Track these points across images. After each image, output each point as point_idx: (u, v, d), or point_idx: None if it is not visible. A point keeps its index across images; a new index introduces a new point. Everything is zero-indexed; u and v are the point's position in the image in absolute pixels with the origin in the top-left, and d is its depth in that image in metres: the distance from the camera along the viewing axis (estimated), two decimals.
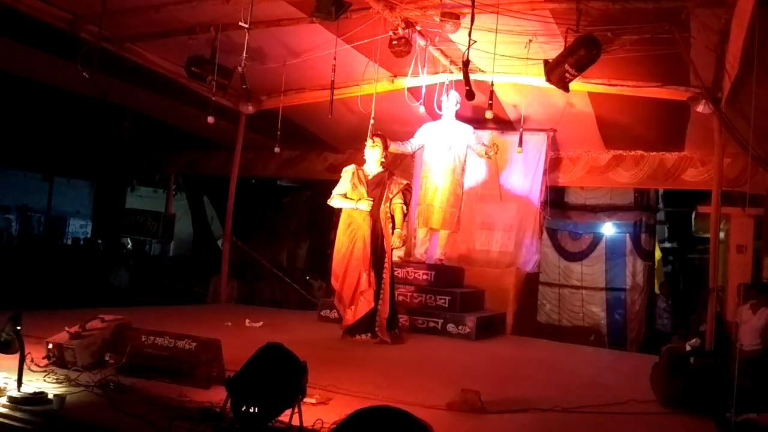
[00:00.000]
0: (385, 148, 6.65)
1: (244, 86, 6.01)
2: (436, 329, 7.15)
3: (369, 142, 6.56)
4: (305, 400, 3.06)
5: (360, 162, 6.76)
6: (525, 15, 5.75)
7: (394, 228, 6.48)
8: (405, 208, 6.57)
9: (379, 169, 6.56)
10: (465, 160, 7.99)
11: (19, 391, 3.20)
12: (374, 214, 6.37)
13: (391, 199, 6.45)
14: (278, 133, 7.70)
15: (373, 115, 6.72)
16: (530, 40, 6.32)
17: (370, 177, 6.52)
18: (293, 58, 7.35)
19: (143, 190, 17.33)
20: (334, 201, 6.52)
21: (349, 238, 6.31)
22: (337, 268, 6.37)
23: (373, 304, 6.23)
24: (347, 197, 6.44)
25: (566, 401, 4.12)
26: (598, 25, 5.64)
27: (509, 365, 5.96)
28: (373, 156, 6.54)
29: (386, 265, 6.39)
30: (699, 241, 12.07)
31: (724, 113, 6.54)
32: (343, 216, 6.50)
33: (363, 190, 6.41)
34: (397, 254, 7.23)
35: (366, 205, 6.33)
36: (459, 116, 8.05)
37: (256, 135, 9.58)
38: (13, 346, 3.35)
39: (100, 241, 15.81)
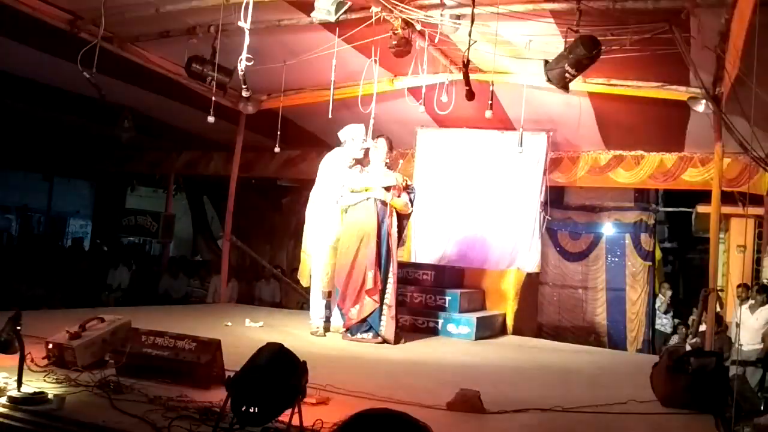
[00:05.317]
0: (390, 148, 6.66)
1: (244, 86, 6.00)
2: (436, 329, 7.15)
3: (371, 143, 6.56)
4: (305, 400, 3.05)
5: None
6: (525, 15, 5.75)
7: (399, 228, 6.49)
8: (410, 205, 6.58)
9: (384, 169, 6.56)
10: None
11: (19, 391, 3.20)
12: (380, 212, 6.38)
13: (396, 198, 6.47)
14: (278, 133, 7.70)
15: (373, 115, 6.72)
16: (530, 40, 6.32)
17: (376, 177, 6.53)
18: (293, 58, 7.35)
19: (143, 190, 17.30)
20: (345, 198, 6.49)
21: (355, 236, 6.31)
22: (342, 267, 6.36)
23: (378, 304, 6.23)
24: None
25: (566, 401, 4.12)
26: (598, 25, 5.64)
27: (509, 365, 5.96)
28: (377, 156, 6.55)
29: (392, 264, 6.40)
30: (699, 241, 12.06)
31: (724, 113, 6.54)
32: (348, 215, 6.49)
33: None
34: None
35: (382, 193, 6.33)
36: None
37: (256, 135, 9.58)
38: (13, 346, 3.34)
39: (99, 241, 15.79)
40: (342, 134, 6.70)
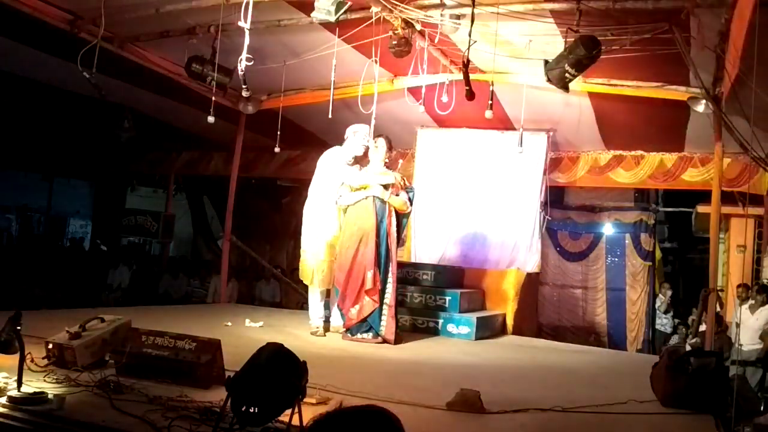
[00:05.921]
0: (390, 148, 6.65)
1: (244, 86, 6.00)
2: (436, 329, 7.15)
3: (372, 143, 6.56)
4: (305, 400, 3.05)
5: None
6: (525, 15, 5.75)
7: (398, 227, 6.49)
8: (409, 204, 6.57)
9: (384, 169, 6.56)
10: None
11: (19, 391, 3.20)
12: (379, 212, 6.38)
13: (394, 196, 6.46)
14: (278, 133, 7.70)
15: (374, 116, 6.72)
16: (530, 40, 6.32)
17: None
18: (293, 58, 7.35)
19: (143, 190, 17.32)
20: (344, 198, 6.49)
21: (355, 236, 6.30)
22: (341, 267, 6.35)
23: (378, 304, 6.22)
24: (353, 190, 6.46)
25: (566, 401, 4.12)
26: (598, 25, 5.64)
27: (509, 365, 5.96)
28: (377, 156, 6.54)
29: (392, 263, 6.39)
30: (699, 241, 12.07)
31: (724, 113, 6.54)
32: (347, 214, 6.49)
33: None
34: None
35: (380, 190, 6.33)
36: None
37: (256, 135, 9.58)
38: (13, 346, 3.34)
39: (98, 241, 15.79)
40: (347, 131, 6.70)
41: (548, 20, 5.85)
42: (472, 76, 6.25)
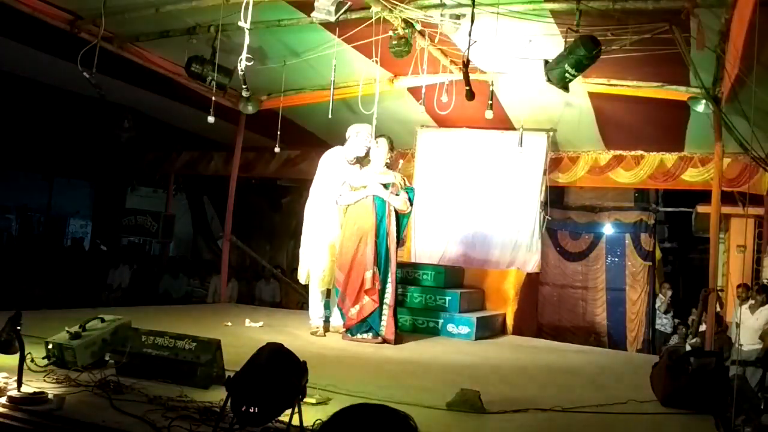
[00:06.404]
0: (391, 148, 6.64)
1: (244, 86, 6.00)
2: (436, 329, 7.15)
3: (373, 143, 6.55)
4: (305, 400, 3.05)
5: None
6: (525, 15, 5.75)
7: (398, 224, 6.48)
8: (409, 204, 6.56)
9: (384, 169, 6.56)
10: None
11: (19, 391, 3.20)
12: (379, 211, 6.38)
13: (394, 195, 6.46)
14: (278, 133, 7.71)
15: (375, 116, 6.72)
16: (530, 40, 6.32)
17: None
18: (293, 58, 7.36)
19: (143, 190, 17.29)
20: (345, 197, 6.49)
21: (355, 236, 6.30)
22: (342, 267, 6.35)
23: (378, 303, 6.22)
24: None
25: (566, 401, 4.12)
26: (598, 25, 5.64)
27: (509, 365, 5.96)
28: (378, 156, 6.54)
29: (391, 263, 6.39)
30: (699, 241, 12.08)
31: (724, 113, 6.54)
32: (348, 214, 6.49)
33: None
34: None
35: (380, 189, 6.33)
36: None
37: (256, 135, 9.58)
38: (13, 346, 3.34)
39: (99, 241, 15.79)
40: (348, 130, 6.70)
41: (548, 20, 5.85)
42: (472, 76, 6.27)
